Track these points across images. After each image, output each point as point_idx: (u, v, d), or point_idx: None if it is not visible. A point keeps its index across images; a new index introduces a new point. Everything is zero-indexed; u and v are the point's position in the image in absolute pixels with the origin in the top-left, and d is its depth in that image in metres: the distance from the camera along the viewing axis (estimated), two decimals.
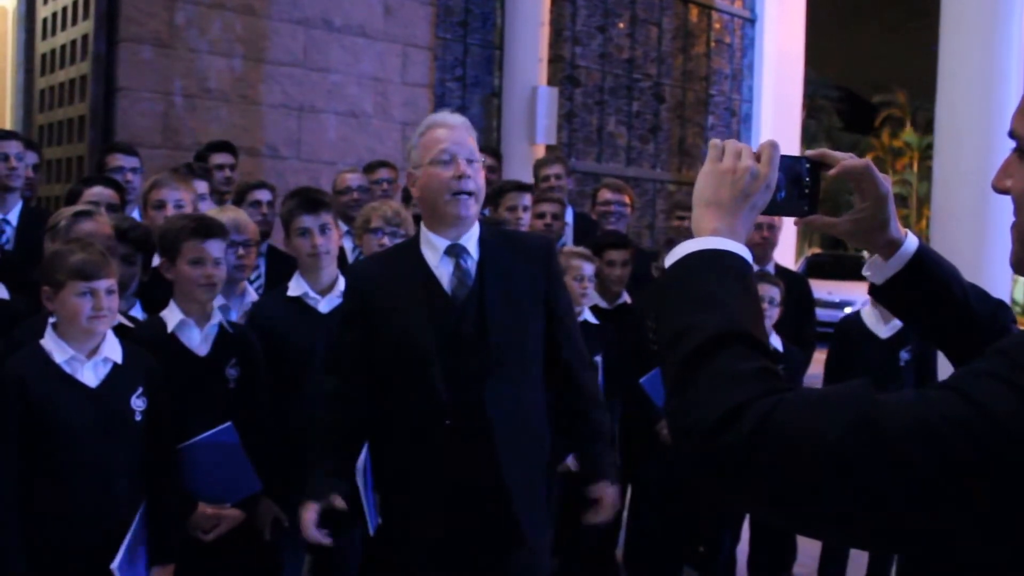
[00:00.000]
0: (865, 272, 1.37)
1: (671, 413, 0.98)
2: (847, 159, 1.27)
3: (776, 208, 1.21)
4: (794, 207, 1.25)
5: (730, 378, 0.92)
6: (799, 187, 1.24)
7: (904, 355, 3.82)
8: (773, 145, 1.16)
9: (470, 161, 2.31)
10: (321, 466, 2.35)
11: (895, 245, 1.31)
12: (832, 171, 1.26)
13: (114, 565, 2.29)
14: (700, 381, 0.94)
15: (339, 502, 2.30)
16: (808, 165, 1.25)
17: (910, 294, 1.33)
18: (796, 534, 4.01)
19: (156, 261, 3.28)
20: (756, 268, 1.22)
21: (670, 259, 1.07)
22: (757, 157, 1.15)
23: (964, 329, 1.32)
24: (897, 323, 3.82)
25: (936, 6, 5.96)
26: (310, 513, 2.28)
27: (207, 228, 2.70)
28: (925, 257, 1.32)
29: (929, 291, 1.32)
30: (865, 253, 1.40)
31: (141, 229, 3.01)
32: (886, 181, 1.28)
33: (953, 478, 0.81)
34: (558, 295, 2.48)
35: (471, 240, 2.38)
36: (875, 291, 1.37)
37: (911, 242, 1.31)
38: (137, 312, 2.98)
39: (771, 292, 3.72)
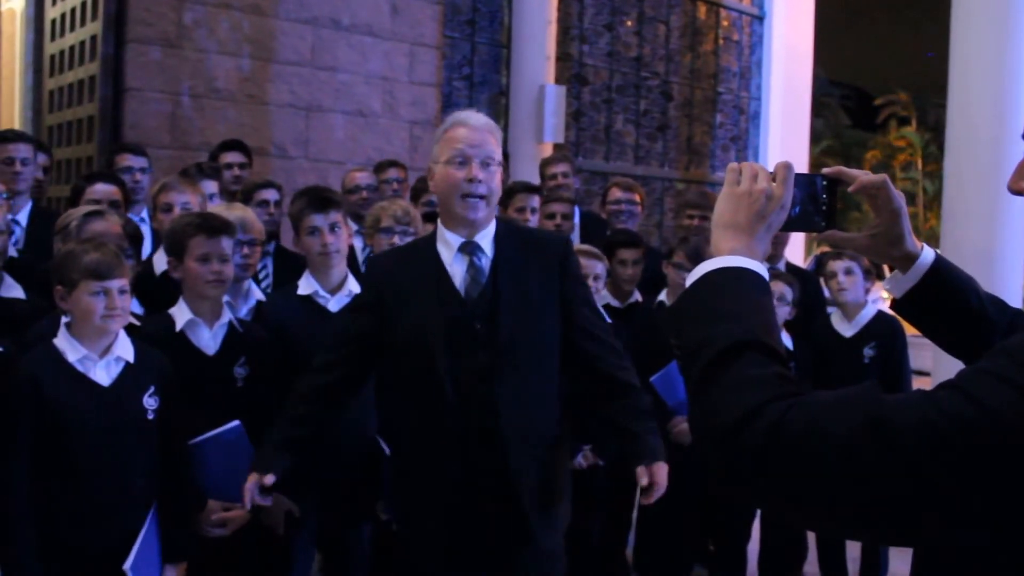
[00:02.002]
0: (885, 286, 1.41)
1: (693, 419, 1.02)
2: (863, 176, 1.31)
3: (793, 224, 1.26)
4: (811, 223, 1.29)
5: (746, 384, 0.97)
6: (815, 204, 1.28)
7: (868, 352, 3.91)
8: (787, 166, 1.20)
9: (486, 164, 2.32)
10: (272, 438, 2.42)
11: (911, 258, 1.35)
12: (851, 188, 1.30)
13: (126, 566, 2.29)
14: (718, 388, 0.98)
15: (270, 480, 2.36)
16: (824, 182, 1.28)
17: (928, 306, 1.37)
18: (810, 532, 4.01)
19: (162, 262, 3.31)
20: (768, 265, 1.28)
21: (691, 278, 1.13)
22: (773, 178, 1.19)
23: (982, 339, 1.34)
24: (861, 322, 3.95)
25: (945, 5, 5.94)
26: (249, 484, 2.36)
27: (213, 225, 2.71)
28: (942, 269, 1.36)
29: (946, 302, 1.36)
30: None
31: (134, 226, 3.01)
32: (900, 196, 1.33)
33: (958, 475, 0.83)
34: (576, 292, 2.46)
35: (486, 238, 2.38)
36: (896, 305, 1.41)
37: (927, 255, 1.36)
38: (135, 308, 2.98)
39: (783, 290, 3.73)
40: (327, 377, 2.44)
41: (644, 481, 2.31)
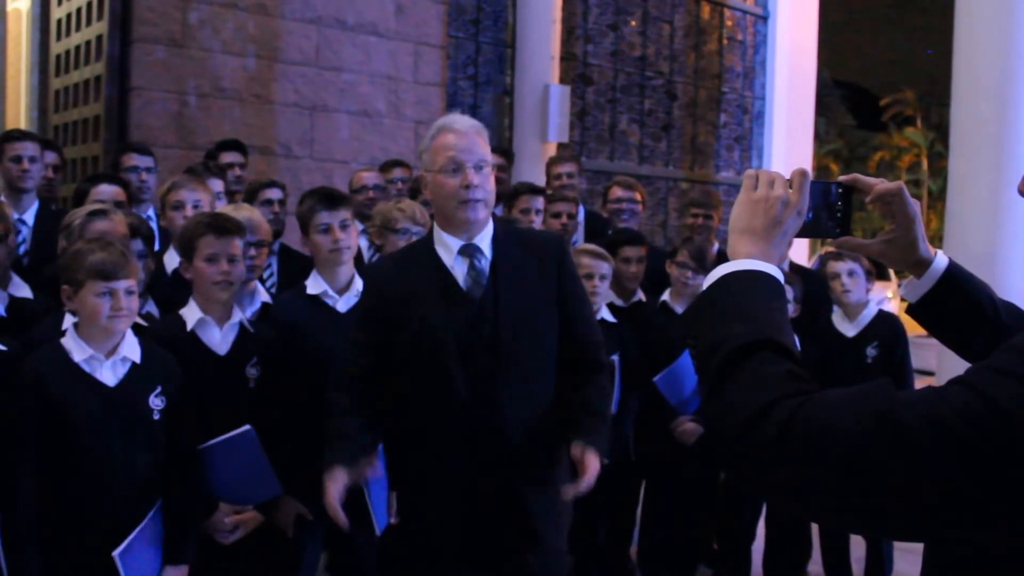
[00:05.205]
0: (901, 292, 1.44)
1: (708, 414, 1.06)
2: (880, 184, 1.33)
3: (808, 231, 1.28)
4: (826, 229, 1.31)
5: (759, 381, 0.99)
6: (830, 210, 1.30)
7: (870, 351, 3.92)
8: (803, 173, 1.23)
9: (479, 168, 2.32)
10: (346, 427, 2.31)
11: (925, 264, 1.38)
12: (868, 198, 1.33)
13: (116, 552, 2.27)
14: (733, 384, 1.01)
15: (368, 469, 2.29)
16: (840, 190, 1.31)
17: (942, 311, 1.40)
18: (819, 526, 4.01)
19: (172, 261, 3.31)
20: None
21: (708, 280, 1.16)
22: (790, 184, 1.22)
23: (996, 344, 1.34)
24: (863, 321, 3.96)
25: (949, 3, 5.93)
26: (336, 484, 2.22)
27: (223, 226, 2.71)
28: (955, 274, 1.38)
29: (960, 307, 1.38)
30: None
31: (147, 226, 3.02)
32: (915, 204, 1.35)
33: (967, 470, 0.84)
34: (572, 291, 2.48)
35: (484, 240, 2.39)
36: (911, 310, 1.43)
37: (941, 261, 1.38)
38: (150, 310, 2.98)
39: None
40: (359, 385, 2.39)
41: (576, 454, 2.30)
